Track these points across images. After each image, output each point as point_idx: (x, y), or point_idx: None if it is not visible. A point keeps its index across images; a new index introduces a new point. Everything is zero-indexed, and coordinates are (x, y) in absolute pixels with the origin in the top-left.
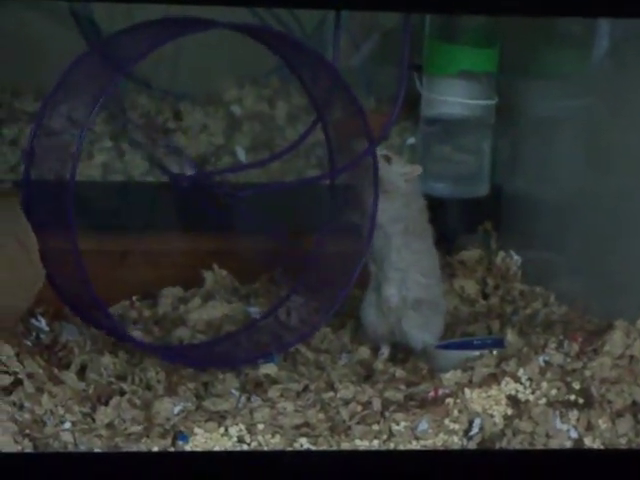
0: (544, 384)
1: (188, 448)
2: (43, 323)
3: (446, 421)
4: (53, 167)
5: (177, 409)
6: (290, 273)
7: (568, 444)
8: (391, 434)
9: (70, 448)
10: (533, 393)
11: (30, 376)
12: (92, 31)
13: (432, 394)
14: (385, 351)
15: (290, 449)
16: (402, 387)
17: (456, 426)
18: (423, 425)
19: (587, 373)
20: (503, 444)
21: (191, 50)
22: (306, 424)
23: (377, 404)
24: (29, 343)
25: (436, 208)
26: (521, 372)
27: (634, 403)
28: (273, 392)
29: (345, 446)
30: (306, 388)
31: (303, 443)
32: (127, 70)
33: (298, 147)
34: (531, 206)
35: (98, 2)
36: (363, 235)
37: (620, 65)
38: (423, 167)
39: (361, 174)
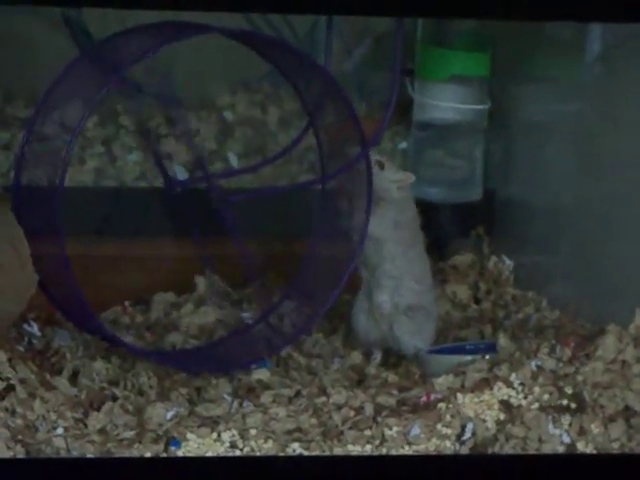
0: (536, 389)
1: (180, 453)
2: (35, 328)
3: (438, 426)
4: (45, 173)
5: (170, 414)
6: (267, 289)
7: (561, 449)
8: (383, 439)
9: (62, 454)
10: (525, 398)
11: (22, 382)
12: (84, 37)
13: (424, 399)
14: (377, 356)
15: (282, 454)
16: (394, 392)
17: (448, 431)
18: (415, 430)
19: (579, 378)
20: (496, 449)
21: (184, 55)
22: (298, 429)
23: (369, 409)
24: (21, 349)
25: (428, 213)
26: (513, 377)
27: (626, 408)
28: (265, 397)
29: (337, 451)
30: (298, 393)
31: (295, 448)
32: (119, 75)
33: (290, 152)
34: (523, 211)
35: (90, 7)
36: (354, 240)
37: (612, 70)
38: (415, 172)
39: (353, 179)
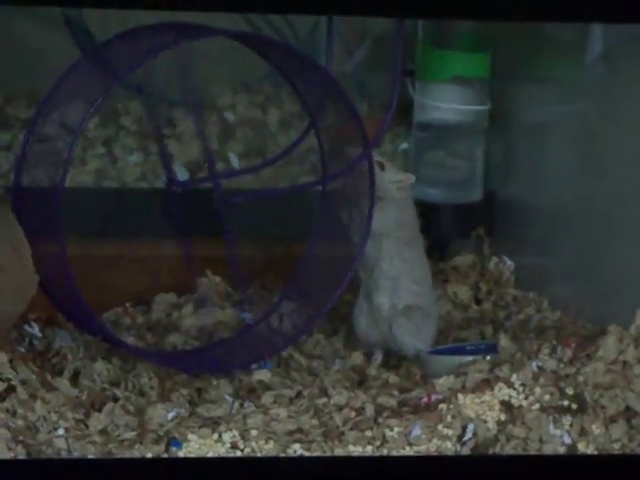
0: (537, 389)
1: (181, 454)
2: (36, 329)
3: (439, 427)
4: (46, 173)
5: (171, 415)
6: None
7: (561, 449)
8: (384, 440)
9: (63, 454)
10: (526, 398)
11: (23, 382)
12: (85, 37)
13: (425, 400)
14: (378, 357)
15: (283, 455)
16: (395, 393)
17: (449, 432)
18: (416, 431)
19: (580, 378)
20: (496, 450)
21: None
22: (299, 430)
23: (370, 410)
24: (22, 349)
25: (429, 213)
26: (514, 377)
27: (627, 408)
28: (266, 398)
29: (338, 452)
30: (299, 394)
31: (296, 449)
32: (124, 78)
33: (291, 153)
34: (524, 211)
35: (92, 7)
36: (355, 241)
37: (613, 70)
38: (416, 172)
39: (355, 180)
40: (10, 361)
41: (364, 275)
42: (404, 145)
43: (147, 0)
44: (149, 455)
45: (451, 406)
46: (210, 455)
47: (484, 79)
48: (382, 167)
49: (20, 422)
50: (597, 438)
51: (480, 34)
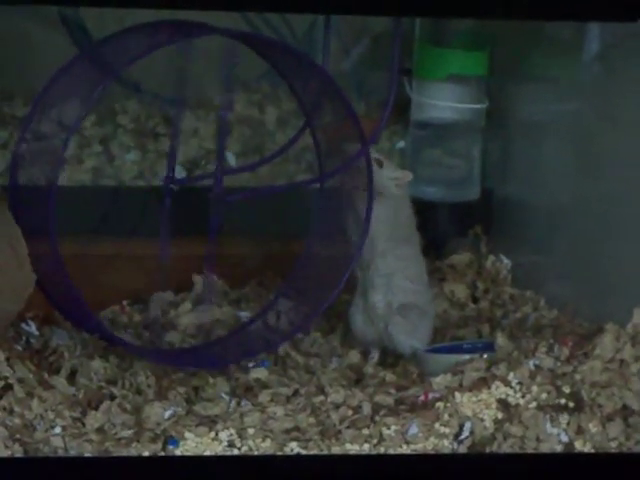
0: (534, 388)
1: (178, 453)
2: (33, 328)
3: (436, 425)
4: (42, 171)
5: (167, 413)
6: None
7: (558, 448)
8: (381, 438)
9: (60, 453)
10: (523, 397)
11: (20, 381)
12: (82, 35)
13: (422, 398)
14: (375, 355)
15: (280, 453)
16: (392, 391)
17: (446, 430)
18: (413, 429)
19: (577, 377)
20: (493, 448)
21: (182, 55)
22: (296, 428)
23: (367, 408)
24: (19, 348)
25: (426, 212)
26: (511, 376)
27: (624, 407)
28: (263, 396)
29: (335, 450)
30: (296, 392)
31: (293, 447)
32: (117, 74)
33: (287, 151)
34: (521, 210)
35: (89, 6)
36: (352, 239)
37: (610, 69)
38: (413, 171)
39: (353, 177)
40: (7, 359)
41: (360, 273)
42: (401, 143)
43: None
44: (146, 453)
45: (448, 404)
46: (207, 453)
47: (481, 77)
48: (380, 164)
49: (17, 420)
50: (594, 436)
51: (477, 32)
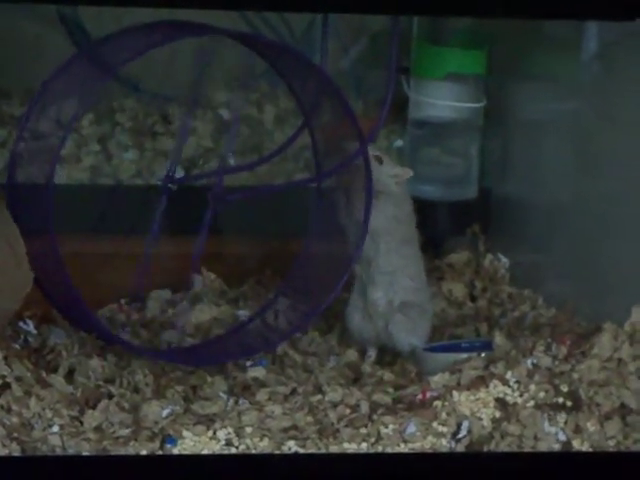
0: (532, 387)
1: (176, 451)
2: (31, 326)
3: (434, 424)
4: (40, 170)
5: (165, 412)
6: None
7: (556, 447)
8: (379, 437)
9: (58, 451)
10: (521, 396)
11: (18, 379)
12: (80, 34)
13: (420, 397)
14: (372, 354)
15: (278, 452)
16: (390, 390)
17: (444, 429)
18: (411, 428)
19: (575, 376)
20: (491, 447)
21: (180, 53)
22: (294, 427)
23: (365, 407)
24: (17, 346)
25: (424, 211)
26: (509, 375)
27: (622, 406)
28: (261, 395)
29: (333, 449)
30: (294, 391)
31: (291, 446)
32: (114, 73)
33: (285, 150)
34: (519, 209)
35: (87, 5)
36: (351, 238)
37: (609, 68)
38: (411, 170)
39: (352, 176)
40: (5, 358)
41: (359, 270)
42: (399, 142)
43: None
44: (144, 452)
45: (446, 403)
46: (205, 452)
47: (480, 76)
48: (380, 161)
49: (15, 419)
50: (592, 435)
51: (476, 31)
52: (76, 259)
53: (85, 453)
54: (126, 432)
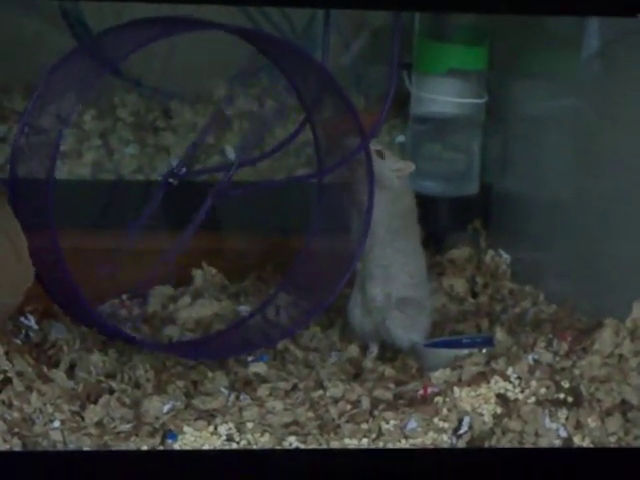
0: (533, 383)
1: (177, 447)
2: (32, 321)
3: (435, 420)
4: (42, 165)
5: (166, 407)
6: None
7: (557, 443)
8: (380, 433)
9: (59, 447)
10: (522, 392)
11: (19, 374)
12: (82, 30)
13: (421, 392)
14: (374, 349)
15: (279, 447)
16: (391, 385)
17: (445, 425)
18: (412, 424)
19: (576, 372)
20: (492, 443)
21: (181, 49)
22: (295, 422)
23: (366, 402)
24: (18, 341)
25: (426, 206)
26: (510, 371)
27: (623, 402)
28: (262, 391)
29: (334, 444)
30: (295, 387)
31: (292, 442)
32: (112, 66)
33: (287, 146)
34: (521, 205)
35: (89, 0)
36: (355, 233)
37: (610, 64)
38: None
39: (354, 171)
40: (6, 353)
41: (359, 265)
42: (401, 138)
43: None
44: (145, 447)
45: (447, 399)
46: (206, 447)
47: (481, 72)
48: (382, 155)
49: (16, 414)
50: (593, 431)
51: (477, 27)
52: (77, 254)
53: (86, 448)
54: (127, 427)
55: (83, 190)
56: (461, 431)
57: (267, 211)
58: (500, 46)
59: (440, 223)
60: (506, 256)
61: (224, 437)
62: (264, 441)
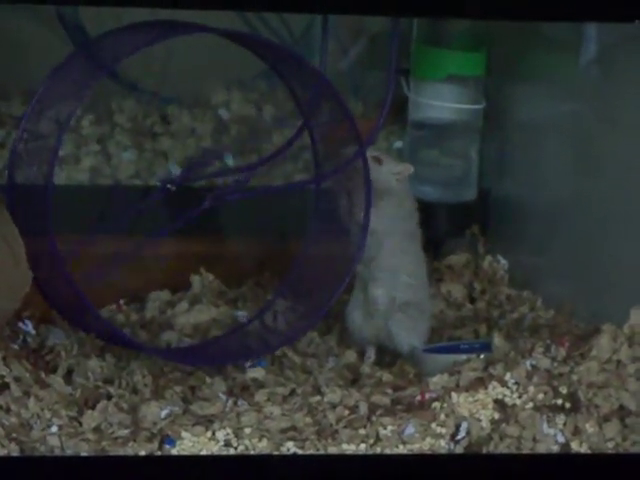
0: (531, 388)
1: (175, 452)
2: (30, 326)
3: (433, 425)
4: (40, 170)
5: (164, 413)
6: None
7: (555, 448)
8: (378, 438)
9: (57, 452)
10: (520, 397)
11: (17, 380)
12: (79, 34)
13: (419, 398)
14: (372, 354)
15: (277, 453)
16: (389, 391)
17: (443, 430)
18: (410, 429)
19: (574, 377)
20: (490, 448)
21: (179, 54)
22: (293, 428)
23: (364, 408)
24: (16, 347)
25: (423, 212)
26: (508, 376)
27: (621, 407)
28: (260, 396)
29: (332, 450)
30: (293, 392)
31: (290, 447)
32: (107, 70)
33: (285, 152)
34: (518, 210)
35: (86, 5)
36: (353, 239)
37: (608, 69)
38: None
39: (352, 177)
40: (4, 358)
41: (360, 268)
42: (398, 143)
43: None
44: (142, 453)
45: (445, 404)
46: (203, 453)
47: (479, 78)
48: (379, 162)
49: (13, 419)
50: (591, 437)
51: (475, 33)
52: (75, 259)
53: (84, 454)
54: (125, 433)
55: (81, 195)
56: (459, 437)
57: (265, 217)
58: (498, 52)
59: (438, 229)
60: (504, 262)
61: (222, 442)
62: (262, 446)
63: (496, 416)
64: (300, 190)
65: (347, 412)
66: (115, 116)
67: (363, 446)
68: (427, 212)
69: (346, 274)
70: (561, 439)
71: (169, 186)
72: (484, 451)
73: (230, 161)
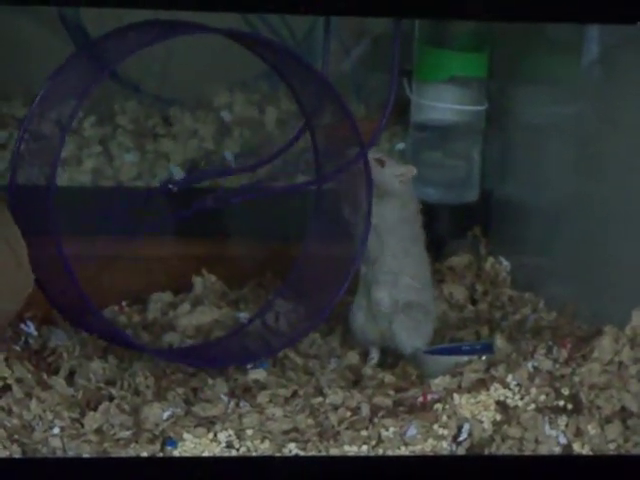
0: (533, 390)
1: (177, 453)
2: (32, 328)
3: (435, 427)
4: (42, 172)
5: (166, 414)
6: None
7: (557, 450)
8: (380, 439)
9: (59, 453)
10: (522, 399)
11: (19, 381)
12: (81, 35)
13: (421, 399)
14: (375, 356)
15: (279, 454)
16: (391, 392)
17: (445, 431)
18: (412, 430)
19: (576, 379)
20: (492, 450)
21: (181, 55)
22: (295, 429)
23: (366, 409)
24: (18, 348)
25: (426, 213)
26: (510, 378)
27: (623, 409)
28: (262, 397)
29: (334, 451)
30: (295, 393)
31: (292, 448)
32: (109, 70)
33: (286, 152)
34: (521, 212)
35: (87, 6)
36: (354, 241)
37: (610, 71)
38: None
39: (355, 178)
40: (6, 360)
41: (364, 269)
42: (401, 145)
43: None
44: (144, 454)
45: (447, 406)
46: (205, 454)
47: (481, 79)
48: (382, 164)
49: (15, 421)
50: (593, 439)
51: (478, 34)
52: (77, 261)
53: (86, 455)
54: (127, 434)
55: (83, 197)
56: (461, 438)
57: (266, 218)
58: (500, 53)
59: (440, 230)
60: (506, 263)
61: (224, 444)
62: (264, 448)
63: (498, 417)
64: (302, 191)
65: (349, 413)
66: (117, 118)
67: (365, 448)
68: (429, 213)
69: (347, 275)
70: (563, 440)
71: (171, 186)
72: (486, 453)
73: (232, 161)
